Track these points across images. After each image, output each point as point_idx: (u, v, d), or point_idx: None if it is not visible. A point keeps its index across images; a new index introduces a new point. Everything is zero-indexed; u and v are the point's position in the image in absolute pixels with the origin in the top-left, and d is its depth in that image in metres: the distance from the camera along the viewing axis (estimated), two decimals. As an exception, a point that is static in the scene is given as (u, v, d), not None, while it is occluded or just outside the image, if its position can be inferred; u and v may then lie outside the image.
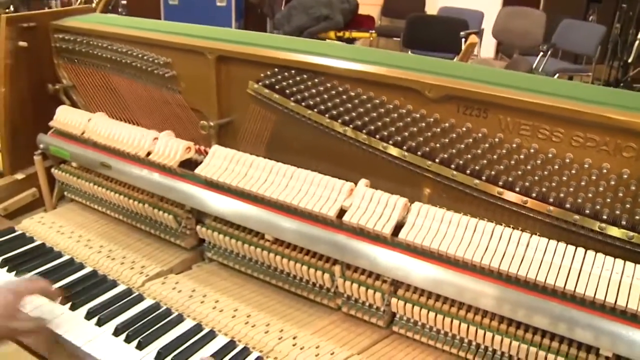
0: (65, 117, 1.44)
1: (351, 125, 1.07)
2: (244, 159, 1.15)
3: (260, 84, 1.16)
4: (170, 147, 1.24)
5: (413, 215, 0.98)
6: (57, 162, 1.50)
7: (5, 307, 0.93)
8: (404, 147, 1.02)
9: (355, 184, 1.05)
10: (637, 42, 4.85)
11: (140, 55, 1.32)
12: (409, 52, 4.94)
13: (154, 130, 1.31)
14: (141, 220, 1.36)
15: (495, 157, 0.94)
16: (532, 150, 0.91)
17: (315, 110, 1.10)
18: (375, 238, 0.99)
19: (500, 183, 0.94)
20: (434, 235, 0.94)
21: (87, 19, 1.50)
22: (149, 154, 1.26)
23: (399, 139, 1.03)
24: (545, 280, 0.84)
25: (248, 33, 1.21)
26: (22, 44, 1.46)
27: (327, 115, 1.09)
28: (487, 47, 5.63)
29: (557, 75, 4.42)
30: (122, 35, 1.34)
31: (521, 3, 4.97)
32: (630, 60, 4.94)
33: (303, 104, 1.11)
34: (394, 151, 1.03)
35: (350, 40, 5.98)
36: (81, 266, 1.26)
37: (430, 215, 0.97)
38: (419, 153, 1.01)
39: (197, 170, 1.17)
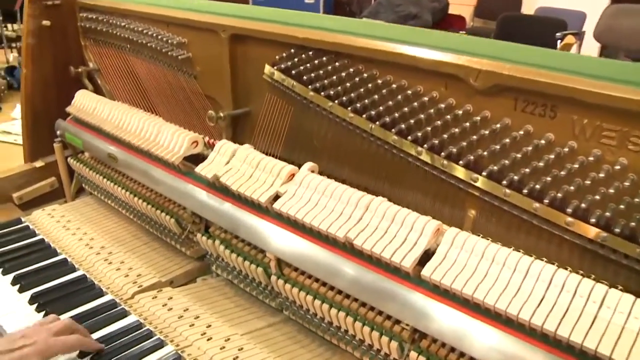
0: (82, 102, 1.32)
1: (378, 122, 0.84)
2: (252, 157, 0.95)
3: (275, 67, 0.96)
4: (175, 140, 1.07)
5: (445, 244, 0.73)
6: (75, 151, 1.38)
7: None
8: (443, 154, 0.78)
9: (378, 194, 0.82)
10: None
11: (155, 35, 1.17)
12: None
13: (170, 121, 1.15)
14: (148, 221, 1.20)
15: (564, 173, 0.68)
16: (617, 167, 0.64)
17: (337, 101, 0.88)
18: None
19: (570, 210, 0.67)
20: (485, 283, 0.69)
21: (113, -4, 1.37)
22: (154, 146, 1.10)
23: (437, 142, 0.78)
24: None
25: (272, 10, 1.01)
26: (46, 22, 1.36)
27: (350, 108, 0.87)
28: (589, 51, 5.09)
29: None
30: (136, 12, 1.19)
31: (632, 0, 4.42)
32: None
33: (323, 93, 0.90)
34: (429, 158, 0.79)
35: (438, 41, 5.65)
36: (72, 268, 1.11)
37: (471, 247, 0.72)
38: (461, 162, 0.76)
39: (198, 169, 0.99)
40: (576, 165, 0.66)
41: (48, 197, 1.45)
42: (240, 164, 0.95)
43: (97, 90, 1.41)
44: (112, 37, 1.31)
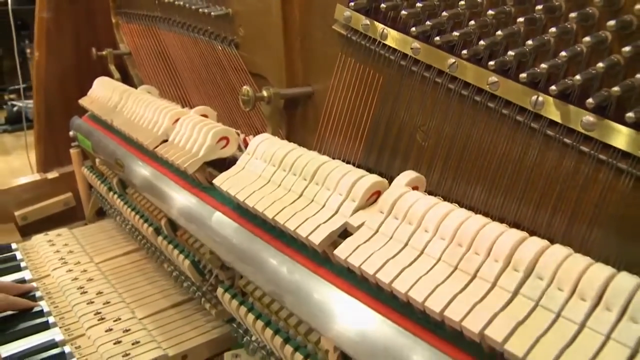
0: (98, 92, 0.98)
1: (555, 89, 0.40)
2: (299, 160, 0.54)
3: (353, 5, 0.55)
4: (196, 137, 0.68)
5: None
6: (93, 159, 1.05)
7: None
8: None
9: (546, 237, 0.38)
10: None
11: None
12: None
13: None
14: (166, 260, 0.82)
15: None
16: None
17: (466, 53, 0.45)
18: None
19: None
20: None
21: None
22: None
23: None
24: None
25: None
26: (67, -9, 1.06)
27: (494, 65, 0.44)
28: None
29: None
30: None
31: None
32: None
33: (439, 39, 0.47)
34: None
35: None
36: (44, 325, 0.75)
37: None
38: None
39: (217, 180, 0.59)
40: None
41: (62, 217, 1.12)
42: (278, 173, 0.54)
43: (127, 81, 1.08)
44: (142, 6, 0.97)
